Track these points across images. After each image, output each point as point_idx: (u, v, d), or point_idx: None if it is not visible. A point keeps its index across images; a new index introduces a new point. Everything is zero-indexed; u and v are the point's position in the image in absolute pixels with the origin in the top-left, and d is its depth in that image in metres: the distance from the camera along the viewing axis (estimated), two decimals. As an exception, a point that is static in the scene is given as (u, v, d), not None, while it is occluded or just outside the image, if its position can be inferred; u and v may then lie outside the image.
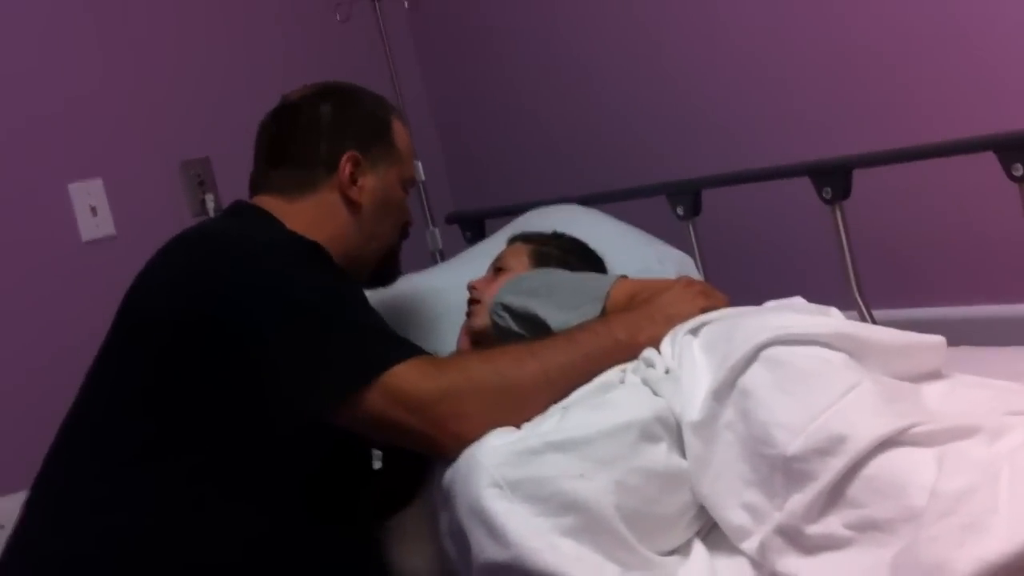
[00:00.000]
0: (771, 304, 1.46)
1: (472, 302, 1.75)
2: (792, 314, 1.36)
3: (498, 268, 1.80)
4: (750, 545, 1.16)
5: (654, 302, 1.48)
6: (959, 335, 1.50)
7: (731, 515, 1.19)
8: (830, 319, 1.36)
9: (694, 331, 1.38)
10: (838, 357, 1.23)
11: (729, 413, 1.23)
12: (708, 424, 1.24)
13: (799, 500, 1.11)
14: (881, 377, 1.22)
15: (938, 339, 1.34)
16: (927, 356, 1.33)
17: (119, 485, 1.34)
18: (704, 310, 1.44)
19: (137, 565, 1.30)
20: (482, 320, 1.66)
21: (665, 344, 1.38)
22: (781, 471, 1.14)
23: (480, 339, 1.67)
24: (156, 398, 1.35)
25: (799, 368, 1.21)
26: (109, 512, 1.32)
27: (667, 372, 1.33)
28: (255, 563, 1.34)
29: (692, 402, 1.26)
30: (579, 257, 1.84)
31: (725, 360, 1.25)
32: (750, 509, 1.17)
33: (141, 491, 1.33)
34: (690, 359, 1.32)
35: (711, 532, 1.24)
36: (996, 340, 1.72)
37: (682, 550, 1.22)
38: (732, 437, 1.22)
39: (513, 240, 1.90)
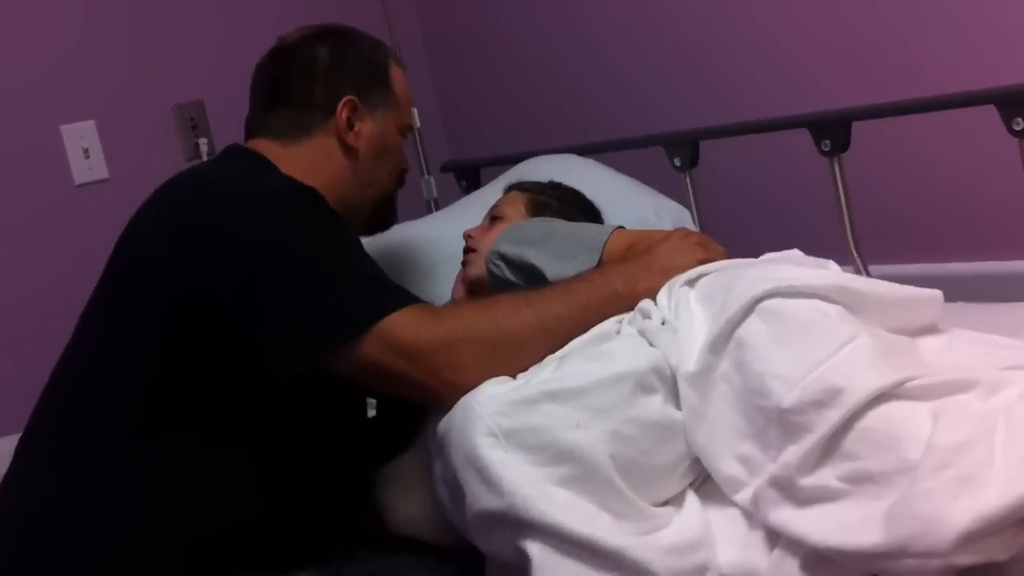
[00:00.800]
0: (768, 256, 1.46)
1: (468, 251, 1.74)
2: (790, 267, 1.36)
3: (494, 217, 1.79)
4: (743, 497, 1.17)
5: (651, 253, 1.48)
6: (956, 291, 1.50)
7: (725, 466, 1.19)
8: (828, 272, 1.35)
9: (691, 282, 1.38)
10: (835, 310, 1.22)
11: (725, 365, 1.22)
12: (704, 375, 1.23)
13: (793, 452, 1.10)
14: (878, 330, 1.22)
15: (935, 293, 1.33)
16: (924, 310, 1.33)
17: (110, 454, 1.33)
18: (701, 262, 1.43)
19: (131, 534, 1.30)
20: (478, 269, 1.65)
21: (662, 295, 1.38)
22: (776, 423, 1.14)
23: (476, 288, 1.67)
24: (156, 359, 1.34)
25: (796, 320, 1.20)
26: (101, 485, 1.32)
27: (663, 323, 1.32)
28: (243, 528, 1.34)
29: (688, 353, 1.25)
30: (576, 207, 1.83)
31: (722, 312, 1.25)
32: (744, 461, 1.18)
33: (133, 456, 1.32)
34: (687, 310, 1.32)
35: (704, 483, 1.25)
36: (993, 296, 1.72)
37: (675, 501, 1.22)
38: (727, 389, 1.22)
39: (510, 189, 1.89)
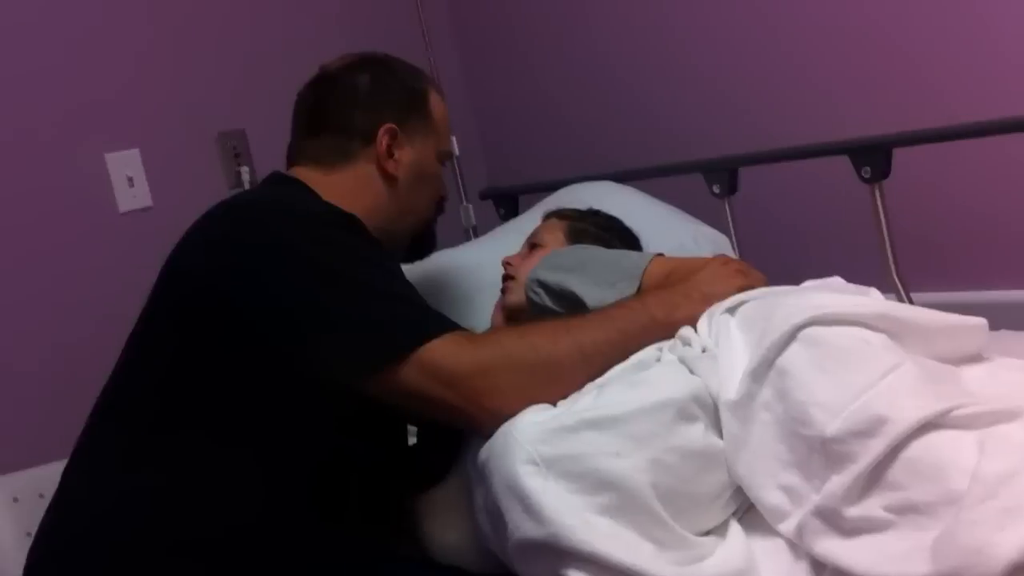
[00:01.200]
0: (809, 284, 1.45)
1: (507, 278, 1.74)
2: (832, 294, 1.35)
3: (533, 244, 1.79)
4: (787, 527, 1.16)
5: (691, 280, 1.47)
6: (999, 319, 1.48)
7: (768, 496, 1.19)
8: (870, 299, 1.34)
9: (731, 310, 1.37)
10: (878, 338, 1.22)
11: (767, 393, 1.22)
12: (745, 404, 1.23)
13: (838, 482, 1.10)
14: (922, 359, 1.21)
15: (979, 321, 1.32)
16: (968, 338, 1.31)
17: (153, 466, 1.34)
18: (741, 289, 1.43)
19: (142, 537, 1.32)
20: (517, 297, 1.65)
21: (702, 323, 1.37)
22: (819, 452, 1.13)
23: (515, 316, 1.67)
24: (191, 374, 1.36)
25: (839, 348, 1.19)
26: (118, 489, 1.34)
27: (704, 351, 1.32)
28: (260, 540, 1.35)
29: (729, 381, 1.25)
30: (614, 234, 1.83)
31: (763, 339, 1.24)
32: (787, 490, 1.17)
33: (177, 472, 1.34)
34: (727, 338, 1.31)
35: (748, 513, 1.24)
36: (1037, 324, 1.70)
37: (718, 531, 1.22)
38: (769, 417, 1.21)
39: (548, 216, 1.89)
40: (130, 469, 1.34)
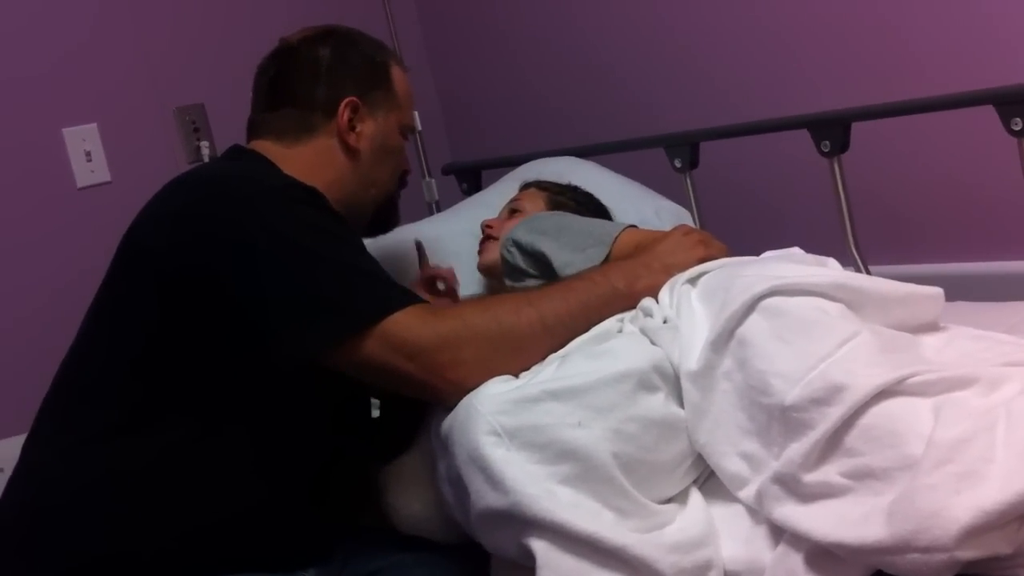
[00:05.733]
0: (769, 254, 1.46)
1: (486, 239, 1.80)
2: (791, 264, 1.36)
3: (513, 210, 1.86)
4: (747, 493, 1.17)
5: (652, 251, 1.48)
6: (955, 291, 1.50)
7: (728, 464, 1.20)
8: (829, 270, 1.36)
9: (692, 281, 1.38)
10: (836, 307, 1.23)
11: (727, 362, 1.23)
12: (706, 373, 1.24)
13: (796, 449, 1.11)
14: (879, 327, 1.22)
15: (936, 290, 1.34)
16: (924, 307, 1.33)
17: (113, 444, 1.34)
18: (702, 260, 1.44)
19: (138, 524, 1.31)
20: (493, 255, 1.74)
21: (663, 293, 1.38)
22: (779, 420, 1.14)
23: (488, 274, 1.76)
24: (155, 349, 1.35)
25: (797, 318, 1.20)
26: (107, 475, 1.33)
27: (665, 321, 1.33)
28: (246, 522, 1.35)
29: (690, 351, 1.26)
30: (591, 210, 1.90)
31: (723, 309, 1.25)
32: (747, 458, 1.18)
33: (137, 446, 1.33)
34: (688, 309, 1.32)
35: (708, 481, 1.25)
36: (992, 296, 1.72)
37: (679, 498, 1.23)
38: (730, 386, 1.22)
39: (528, 185, 1.95)
40: (112, 449, 1.33)
